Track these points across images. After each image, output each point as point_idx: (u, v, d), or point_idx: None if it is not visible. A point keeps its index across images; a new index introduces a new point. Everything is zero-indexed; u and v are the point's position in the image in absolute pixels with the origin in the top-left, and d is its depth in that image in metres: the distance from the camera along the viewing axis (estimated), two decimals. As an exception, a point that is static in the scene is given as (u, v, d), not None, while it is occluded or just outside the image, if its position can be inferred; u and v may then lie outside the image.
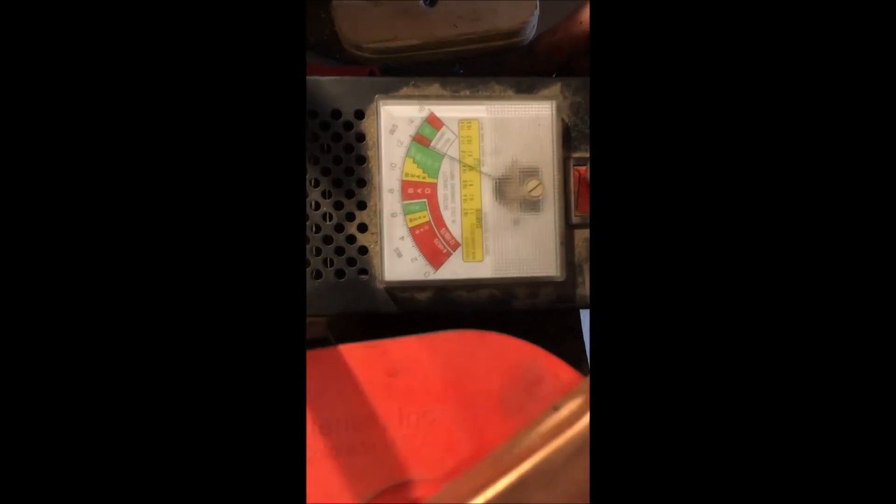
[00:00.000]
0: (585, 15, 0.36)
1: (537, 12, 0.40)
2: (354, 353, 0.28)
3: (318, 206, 0.33)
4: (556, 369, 0.29)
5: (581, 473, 0.24)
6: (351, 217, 0.33)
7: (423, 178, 0.33)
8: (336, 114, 0.33)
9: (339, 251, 0.33)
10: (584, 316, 0.44)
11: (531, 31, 0.40)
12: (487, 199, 0.34)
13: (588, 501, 0.24)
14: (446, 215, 0.33)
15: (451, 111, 0.34)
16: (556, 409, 0.26)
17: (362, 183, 0.33)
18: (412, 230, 0.33)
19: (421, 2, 0.40)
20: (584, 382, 0.27)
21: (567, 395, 0.26)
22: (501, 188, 0.34)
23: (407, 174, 0.33)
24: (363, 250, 0.33)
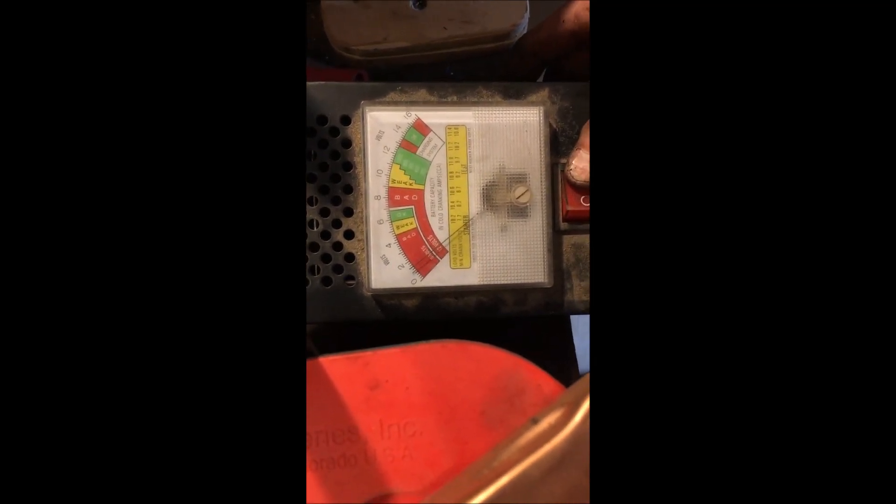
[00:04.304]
0: (569, 13, 0.36)
1: (527, 14, 0.40)
2: (335, 365, 0.28)
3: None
4: (538, 380, 0.28)
5: (558, 487, 0.24)
6: (337, 224, 0.33)
7: (410, 184, 0.33)
8: (322, 119, 0.33)
9: (326, 258, 0.33)
10: (574, 320, 0.44)
11: (521, 34, 0.40)
12: (475, 205, 0.34)
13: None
14: (433, 222, 0.33)
15: (439, 117, 0.33)
16: (535, 421, 0.26)
17: (349, 189, 0.33)
18: (399, 237, 0.33)
19: (411, 4, 0.40)
20: (565, 394, 0.27)
21: (547, 408, 0.26)
22: (489, 194, 0.34)
23: (394, 181, 0.33)
24: (350, 257, 0.33)
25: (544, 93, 0.35)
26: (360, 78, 0.39)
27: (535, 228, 0.34)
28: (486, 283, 0.33)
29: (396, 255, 0.33)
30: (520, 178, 0.34)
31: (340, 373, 0.28)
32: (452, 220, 0.33)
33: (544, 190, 0.34)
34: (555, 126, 0.35)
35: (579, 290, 0.35)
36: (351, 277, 0.33)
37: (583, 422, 0.24)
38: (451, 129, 0.33)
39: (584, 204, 0.34)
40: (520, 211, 0.34)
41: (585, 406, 0.24)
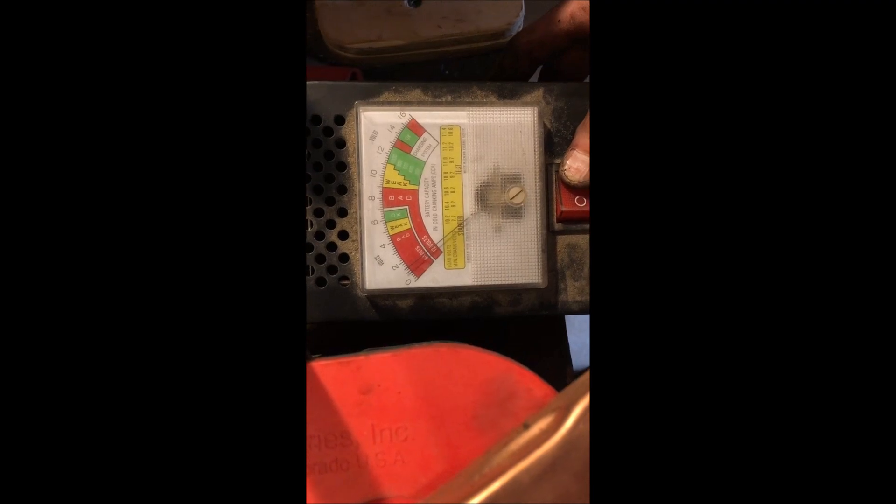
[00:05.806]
0: (564, 13, 0.36)
1: (523, 13, 0.40)
2: (328, 370, 0.28)
3: (298, 213, 0.33)
4: (529, 384, 0.29)
5: (549, 493, 0.24)
6: (332, 224, 0.33)
7: (405, 184, 0.33)
8: (316, 119, 0.33)
9: (320, 259, 0.33)
10: (568, 321, 0.44)
11: (516, 32, 0.39)
12: (469, 205, 0.34)
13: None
14: (428, 222, 0.33)
15: (433, 117, 0.33)
16: (526, 427, 0.26)
17: (343, 190, 0.33)
18: (393, 237, 0.33)
19: (405, 2, 0.40)
20: (557, 399, 0.27)
21: (538, 413, 0.26)
22: (483, 195, 0.34)
23: (388, 181, 0.33)
24: (344, 258, 0.33)
25: (539, 93, 0.34)
26: (354, 77, 0.39)
27: (529, 229, 0.34)
28: (480, 283, 0.33)
29: (391, 256, 0.33)
30: (514, 179, 0.34)
31: (332, 377, 0.28)
32: (447, 220, 0.33)
33: (538, 190, 0.34)
34: (549, 126, 0.35)
35: (573, 290, 0.35)
36: (345, 278, 0.33)
37: (574, 427, 0.24)
38: (446, 129, 0.33)
39: (579, 204, 0.34)
40: (514, 211, 0.34)
41: (577, 411, 0.25)
